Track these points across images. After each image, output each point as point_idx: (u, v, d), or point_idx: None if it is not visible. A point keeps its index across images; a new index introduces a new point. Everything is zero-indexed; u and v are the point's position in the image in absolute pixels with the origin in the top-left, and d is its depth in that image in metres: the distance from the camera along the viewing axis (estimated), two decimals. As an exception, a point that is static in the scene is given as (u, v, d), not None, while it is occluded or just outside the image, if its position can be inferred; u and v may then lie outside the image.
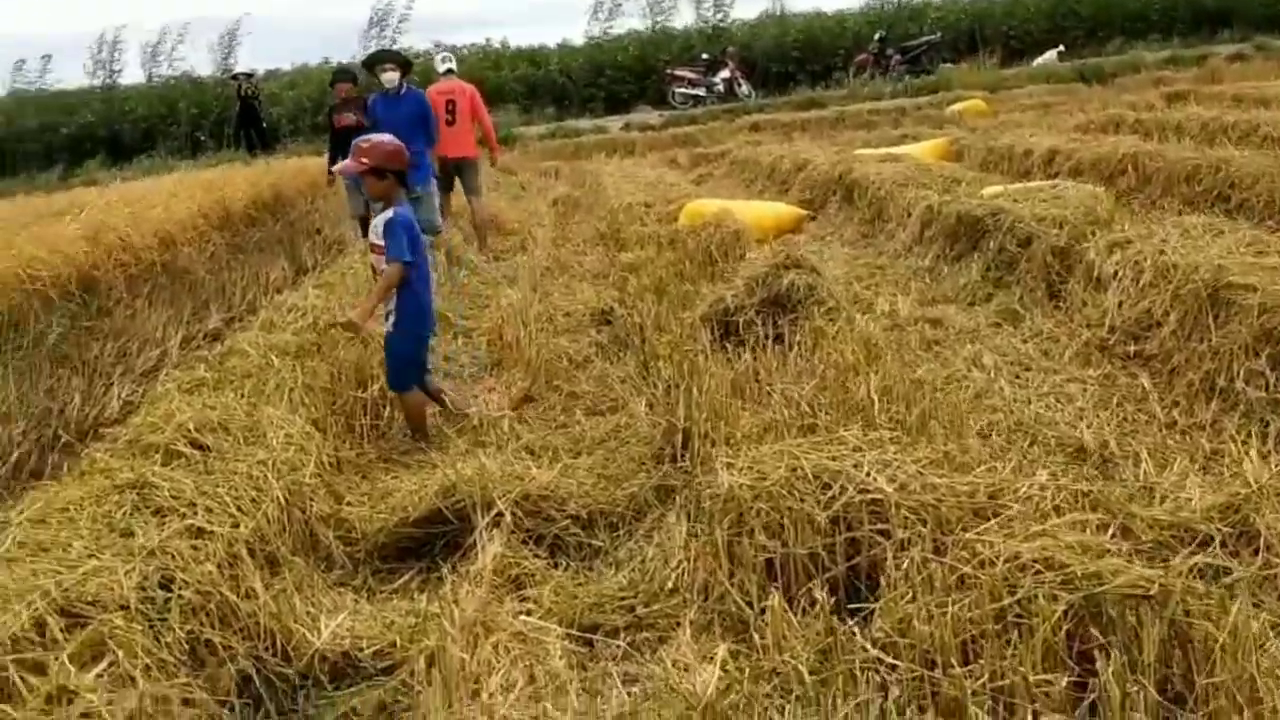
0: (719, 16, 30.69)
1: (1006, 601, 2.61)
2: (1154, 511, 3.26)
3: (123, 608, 2.90)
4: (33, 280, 5.91)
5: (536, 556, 3.69)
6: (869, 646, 2.55)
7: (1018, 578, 2.66)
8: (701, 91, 26.14)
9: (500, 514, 3.71)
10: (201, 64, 32.07)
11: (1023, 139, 12.12)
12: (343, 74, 10.66)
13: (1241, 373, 4.25)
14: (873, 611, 2.75)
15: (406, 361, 5.11)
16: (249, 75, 24.34)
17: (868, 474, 3.11)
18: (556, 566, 3.72)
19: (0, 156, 28.26)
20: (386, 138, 5.17)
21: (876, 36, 27.52)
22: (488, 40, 31.80)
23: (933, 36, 27.73)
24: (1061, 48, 26.89)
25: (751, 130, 20.86)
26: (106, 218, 7.33)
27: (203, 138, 28.13)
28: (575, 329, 7.04)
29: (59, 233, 6.70)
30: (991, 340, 5.75)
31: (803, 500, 3.07)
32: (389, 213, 5.04)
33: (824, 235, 9.66)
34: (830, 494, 3.08)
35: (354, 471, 4.67)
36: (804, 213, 10.15)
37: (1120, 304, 5.27)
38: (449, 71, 10.60)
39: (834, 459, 3.23)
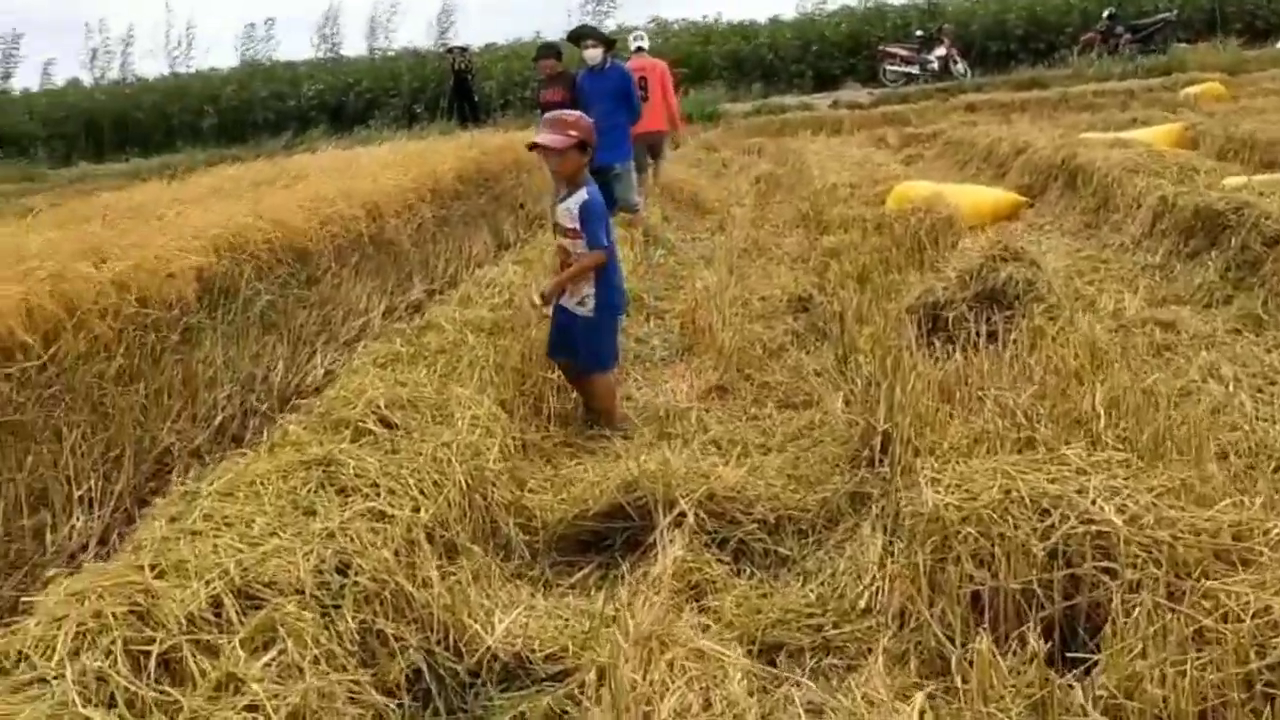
0: (936, -10, 29.66)
1: (1255, 665, 2.26)
2: None
3: (298, 592, 2.86)
4: (245, 248, 6.06)
5: (719, 561, 3.50)
6: (1089, 708, 2.24)
7: (1269, 637, 2.30)
8: (915, 69, 25.32)
9: (683, 514, 3.53)
10: (419, 38, 33.19)
11: (1269, 126, 11.13)
12: (546, 49, 10.65)
13: None
14: (1094, 663, 2.44)
15: (603, 344, 5.03)
16: (463, 49, 24.93)
17: (1093, 501, 2.78)
18: (739, 574, 3.52)
19: (234, 125, 29.97)
20: (580, 114, 5.10)
21: (1105, 14, 25.99)
22: (703, 16, 31.63)
23: (1167, 14, 26.03)
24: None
25: (966, 110, 20.07)
26: (321, 188, 7.50)
27: (419, 109, 29.09)
28: (770, 315, 6.79)
29: (275, 201, 6.87)
30: (1230, 349, 5.20)
31: (1017, 527, 2.76)
32: (584, 195, 4.93)
33: (1043, 224, 9.09)
34: (1049, 522, 2.76)
35: (539, 455, 4.58)
36: (1022, 199, 9.57)
37: (1390, 315, 4.67)
38: (639, 49, 11.18)
39: (1054, 481, 2.90)
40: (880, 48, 26.48)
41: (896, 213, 8.14)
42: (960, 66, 25.40)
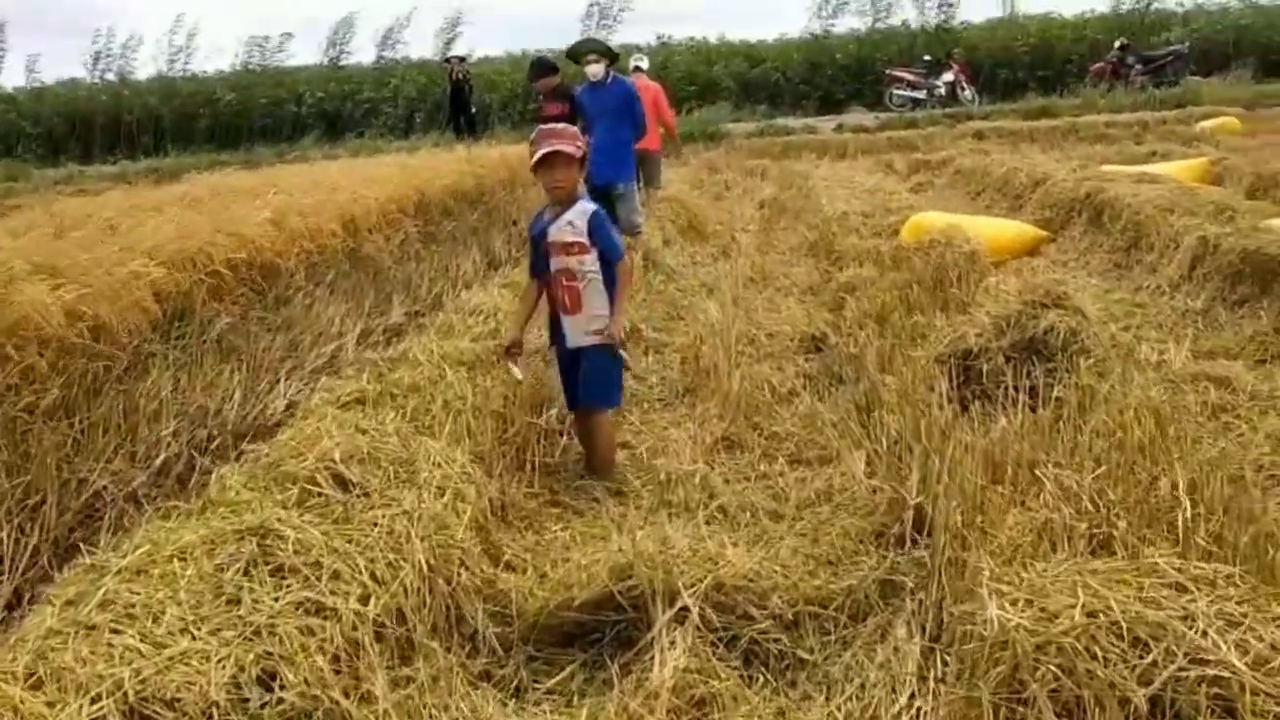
0: (943, 17, 29.21)
1: None
2: None
3: (206, 712, 2.29)
4: (204, 265, 5.49)
5: (728, 666, 2.93)
6: None
7: None
8: (921, 94, 24.87)
9: (685, 609, 2.96)
10: (428, 49, 32.74)
11: (1299, 163, 10.64)
12: (541, 67, 10.15)
13: None
14: None
15: (617, 375, 4.57)
16: (461, 59, 24.38)
17: (1203, 634, 2.22)
18: (751, 681, 2.95)
19: (229, 130, 29.41)
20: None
21: (1117, 44, 25.57)
22: (704, 37, 31.15)
23: (1179, 46, 25.60)
24: (1332, 63, 24.41)
25: (975, 138, 19.56)
26: (293, 200, 6.93)
27: (417, 119, 28.59)
28: (780, 354, 6.23)
29: (241, 213, 6.30)
30: (1298, 412, 4.66)
31: (1109, 664, 2.20)
32: (587, 205, 4.49)
33: (1066, 261, 8.54)
34: (1149, 659, 2.20)
35: (519, 519, 4.00)
36: (1044, 234, 9.04)
37: None
38: (637, 69, 11.55)
39: (1149, 602, 2.34)
40: (887, 71, 26.02)
41: (914, 245, 7.60)
42: (968, 93, 24.96)
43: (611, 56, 8.71)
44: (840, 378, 5.61)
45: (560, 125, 4.57)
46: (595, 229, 4.43)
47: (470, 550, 3.33)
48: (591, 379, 4.46)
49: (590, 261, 4.42)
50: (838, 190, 12.53)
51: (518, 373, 4.58)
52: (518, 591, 3.24)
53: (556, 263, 4.47)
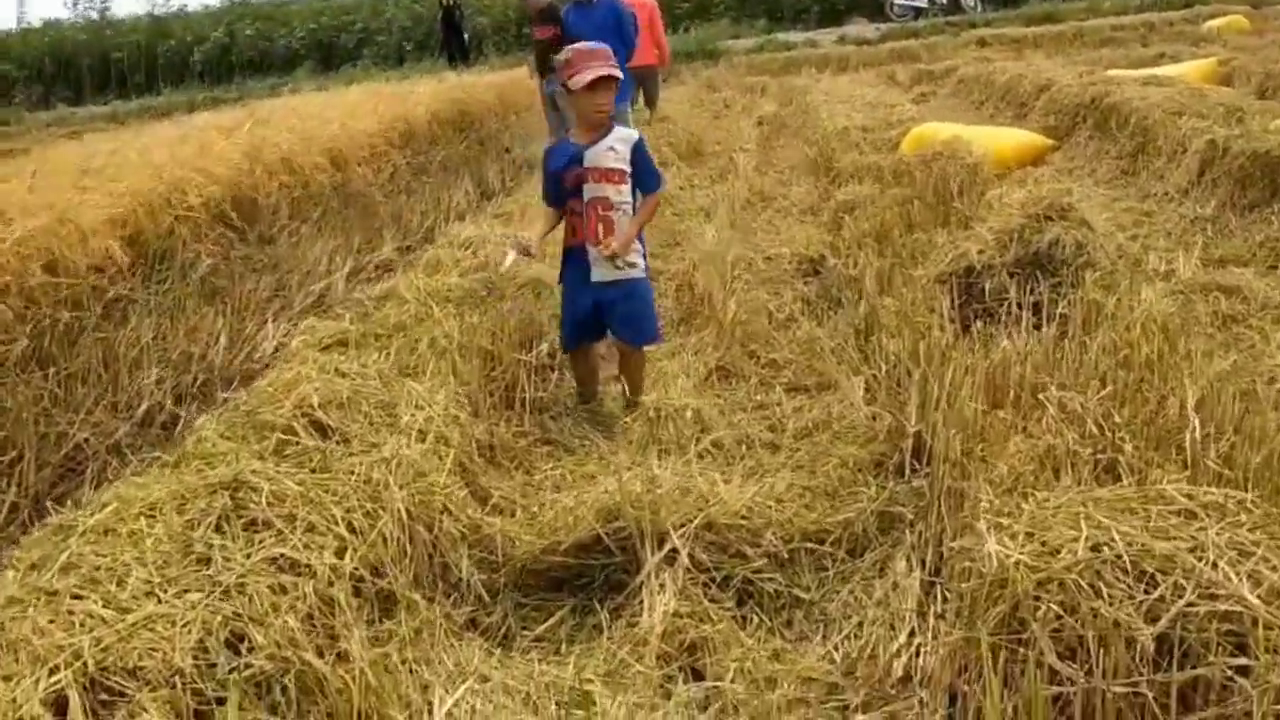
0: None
1: None
2: None
3: (169, 682, 2.19)
4: (181, 204, 5.33)
5: (720, 608, 2.83)
6: None
7: None
8: (923, 3, 24.30)
9: (675, 551, 2.85)
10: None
11: (1310, 60, 10.33)
12: None
13: None
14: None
15: (652, 306, 4.43)
16: (450, -16, 23.82)
17: (1213, 565, 2.09)
18: (745, 622, 2.85)
19: (219, 66, 28.98)
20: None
21: (1123, -58, 24.87)
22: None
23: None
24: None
25: (978, 45, 19.17)
26: (270, 134, 6.73)
27: (409, 48, 28.10)
28: (778, 279, 6.05)
29: (215, 151, 6.11)
30: (1311, 319, 4.50)
31: (1114, 602, 2.08)
32: (630, 132, 4.30)
33: (1072, 169, 8.31)
34: (1156, 594, 2.08)
35: (508, 458, 3.88)
36: (1049, 142, 8.78)
37: None
38: None
39: (1157, 533, 2.21)
40: (888, -20, 25.43)
41: (915, 159, 7.38)
42: (971, 0, 24.39)
43: (597, -25, 8.43)
44: (840, 301, 5.45)
45: (596, 46, 4.27)
46: (640, 158, 4.22)
47: (454, 495, 3.21)
48: (637, 314, 4.26)
49: (627, 191, 4.22)
50: (838, 105, 12.22)
51: (509, 261, 4.43)
52: (504, 536, 3.13)
53: (592, 190, 4.18)
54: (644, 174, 4.25)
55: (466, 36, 22.99)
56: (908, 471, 3.42)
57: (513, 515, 3.40)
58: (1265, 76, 10.59)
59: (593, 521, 2.96)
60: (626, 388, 4.30)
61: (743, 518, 3.04)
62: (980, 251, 4.70)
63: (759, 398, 4.42)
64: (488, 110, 10.87)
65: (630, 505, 2.94)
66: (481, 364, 4.26)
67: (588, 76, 4.06)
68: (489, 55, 23.72)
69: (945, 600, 2.69)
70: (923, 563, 2.95)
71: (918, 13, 24.13)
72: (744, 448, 3.83)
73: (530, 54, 10.12)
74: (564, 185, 4.22)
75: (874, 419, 3.89)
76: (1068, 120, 9.44)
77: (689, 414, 3.93)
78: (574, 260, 4.29)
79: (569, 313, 4.35)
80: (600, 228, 4.18)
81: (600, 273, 4.19)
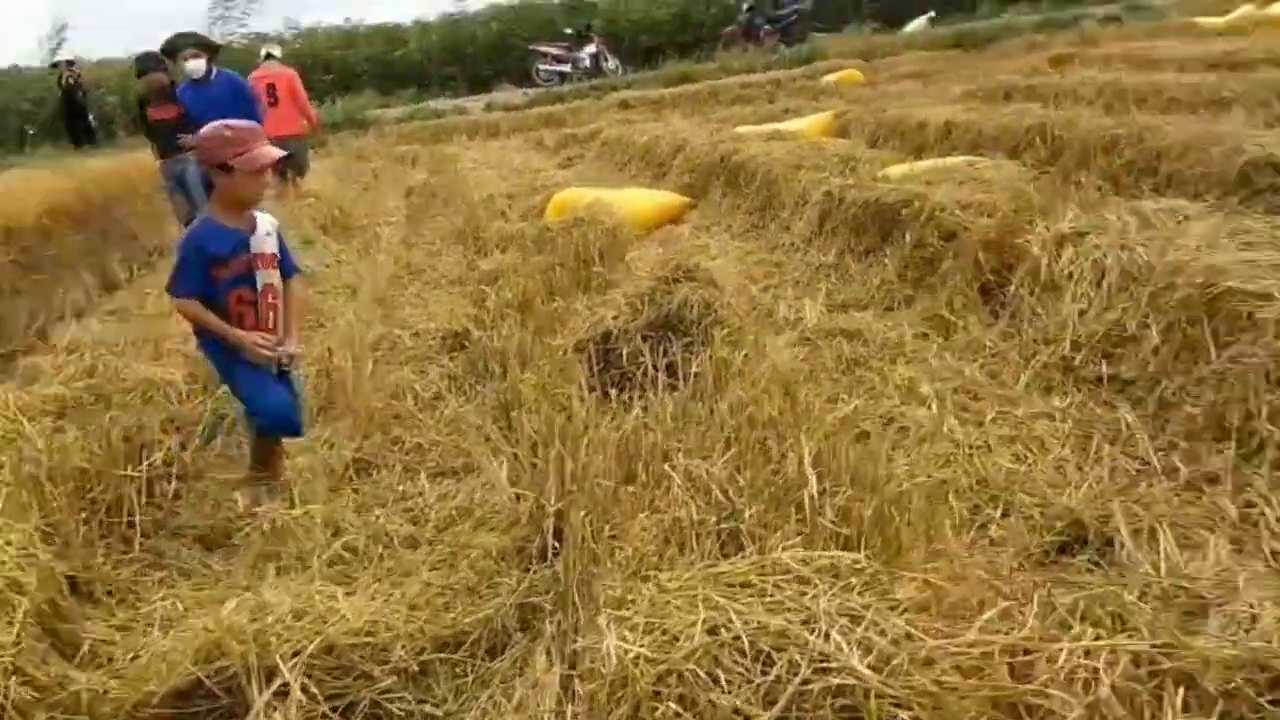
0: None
1: None
2: (1224, 653, 2.25)
3: None
4: None
5: (345, 739, 2.56)
6: None
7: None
8: (567, 68, 24.96)
9: (286, 685, 2.56)
10: (25, 57, 29.72)
11: (913, 110, 11.27)
12: (149, 61, 9.14)
13: (1264, 409, 3.32)
14: None
15: None
16: (70, 63, 22.21)
17: (825, 636, 2.06)
18: (375, 752, 2.60)
19: None
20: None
21: (745, 6, 26.64)
22: (346, 19, 29.87)
23: (801, 4, 26.93)
24: (932, 13, 26.40)
25: (621, 107, 19.80)
26: None
27: (30, 131, 25.92)
28: (424, 355, 5.83)
29: None
30: (922, 358, 4.76)
31: (732, 689, 1.99)
32: (270, 217, 4.04)
33: (708, 225, 8.59)
34: (773, 674, 2.01)
35: (108, 593, 3.43)
36: (685, 200, 9.10)
37: (1082, 313, 4.33)
38: (269, 57, 10.96)
39: (773, 607, 2.16)
40: (531, 47, 25.94)
41: (558, 225, 7.40)
42: (611, 63, 25.26)
43: (212, 49, 7.98)
44: (485, 375, 5.30)
45: (251, 124, 4.00)
46: (283, 241, 4.06)
47: (29, 650, 2.77)
48: (298, 407, 4.18)
49: (280, 277, 4.00)
50: (485, 171, 12.25)
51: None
52: (89, 693, 2.72)
53: (266, 277, 3.92)
54: (286, 259, 4.07)
55: (91, 117, 21.47)
56: (550, 555, 3.29)
57: (110, 662, 2.98)
58: (876, 126, 11.44)
59: (190, 665, 2.62)
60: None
61: (368, 634, 2.78)
62: (615, 317, 4.69)
63: (402, 487, 4.18)
64: (110, 196, 10.05)
65: (235, 640, 2.62)
66: (77, 486, 3.78)
67: (261, 160, 3.81)
68: (120, 136, 22.23)
69: (580, 699, 2.54)
70: (563, 654, 2.80)
71: (563, 77, 24.74)
72: (381, 547, 3.57)
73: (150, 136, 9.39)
74: (222, 272, 3.85)
75: (518, 500, 3.74)
76: (702, 178, 9.79)
77: (318, 519, 3.62)
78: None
79: (274, 393, 4.02)
80: (271, 316, 3.98)
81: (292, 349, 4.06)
